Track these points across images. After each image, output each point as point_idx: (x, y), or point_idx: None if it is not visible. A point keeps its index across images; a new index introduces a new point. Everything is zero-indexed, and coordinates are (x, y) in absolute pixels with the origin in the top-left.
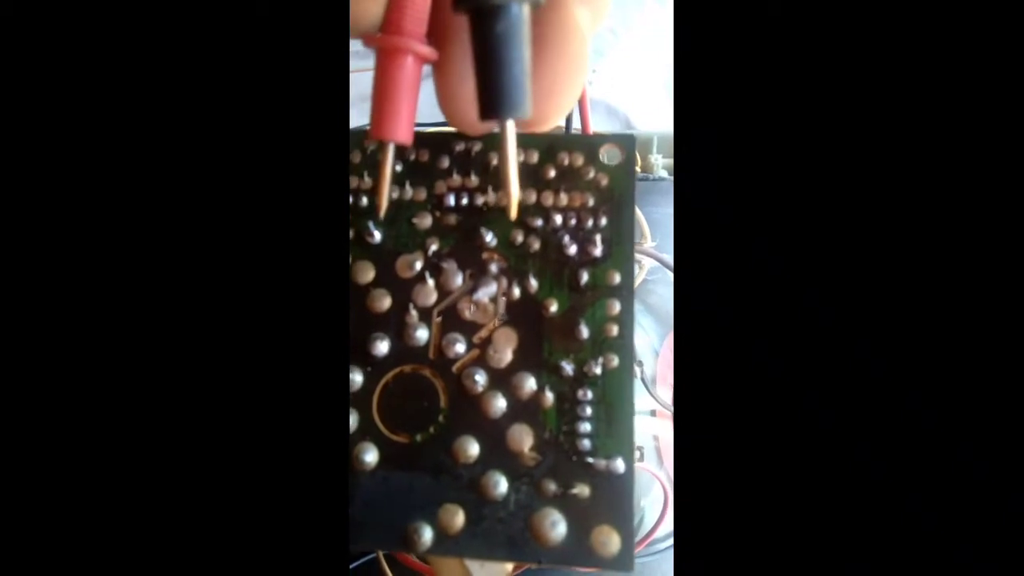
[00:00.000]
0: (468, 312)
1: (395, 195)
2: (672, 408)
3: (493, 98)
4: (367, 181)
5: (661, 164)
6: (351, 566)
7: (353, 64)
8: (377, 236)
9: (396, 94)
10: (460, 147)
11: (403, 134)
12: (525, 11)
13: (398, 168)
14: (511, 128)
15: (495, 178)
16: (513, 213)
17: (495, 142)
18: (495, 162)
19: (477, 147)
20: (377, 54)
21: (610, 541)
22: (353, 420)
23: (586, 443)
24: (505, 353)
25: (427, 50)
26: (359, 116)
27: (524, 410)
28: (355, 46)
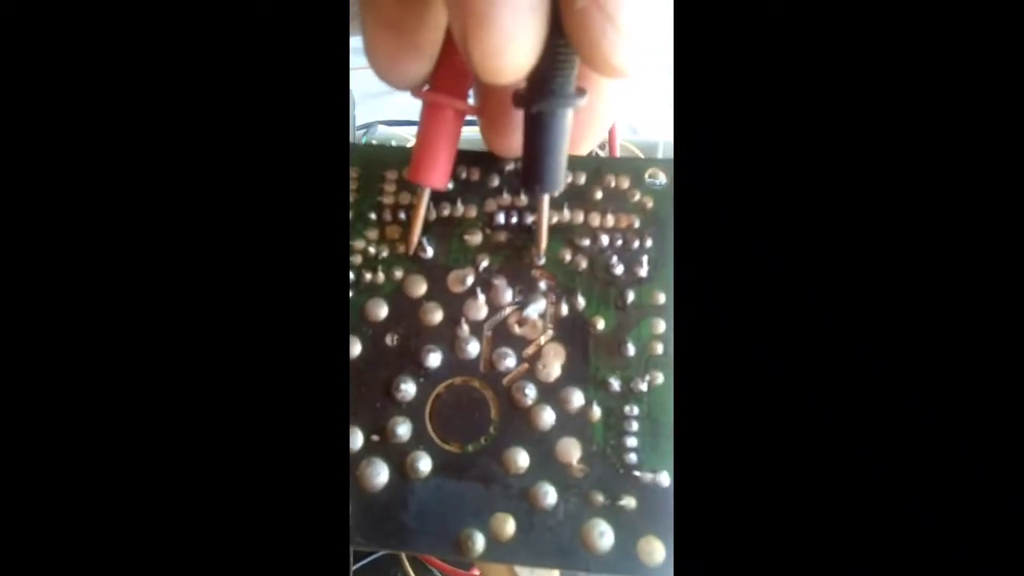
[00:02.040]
0: (517, 327)
1: (446, 212)
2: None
3: (536, 177)
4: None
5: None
6: (362, 563)
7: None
8: (429, 251)
9: (436, 144)
10: (510, 167)
11: (439, 180)
12: (571, 113)
13: (449, 186)
14: (546, 201)
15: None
16: (543, 260)
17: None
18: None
19: (516, 165)
20: (423, 106)
21: (655, 551)
22: (406, 429)
23: (632, 457)
24: (553, 368)
25: (468, 106)
26: (366, 113)
27: (572, 423)
28: (356, 43)
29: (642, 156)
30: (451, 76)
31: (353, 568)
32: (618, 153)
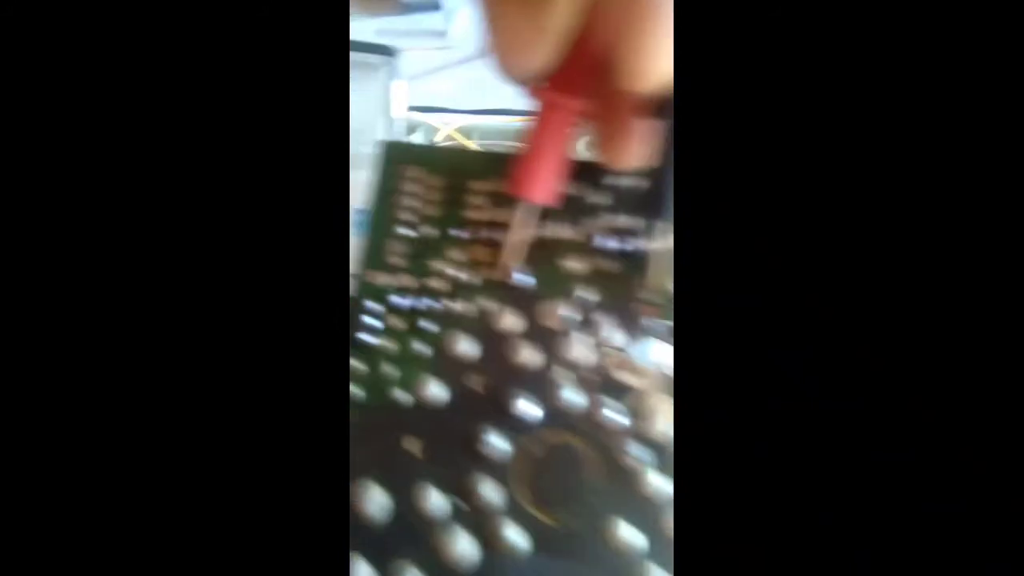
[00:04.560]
0: (624, 373)
1: (544, 233)
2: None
3: None
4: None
5: None
6: None
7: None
8: (525, 279)
9: (547, 152)
10: (623, 182)
11: (546, 195)
12: None
13: None
14: None
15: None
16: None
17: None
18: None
19: (630, 182)
20: (538, 106)
21: None
22: (494, 492)
23: None
24: (666, 424)
25: (590, 110)
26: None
27: None
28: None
29: None
30: (574, 75)
31: None
32: None
